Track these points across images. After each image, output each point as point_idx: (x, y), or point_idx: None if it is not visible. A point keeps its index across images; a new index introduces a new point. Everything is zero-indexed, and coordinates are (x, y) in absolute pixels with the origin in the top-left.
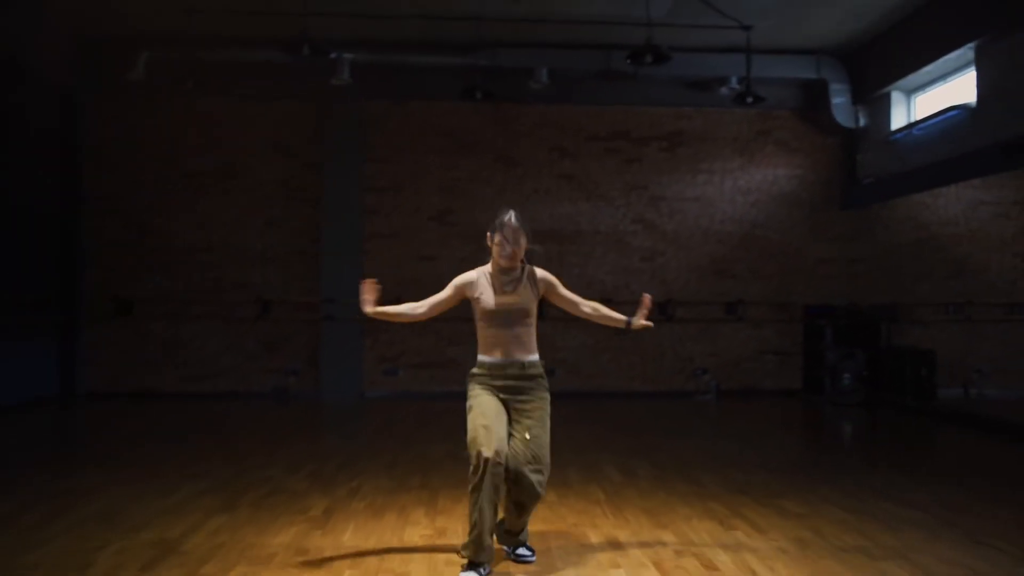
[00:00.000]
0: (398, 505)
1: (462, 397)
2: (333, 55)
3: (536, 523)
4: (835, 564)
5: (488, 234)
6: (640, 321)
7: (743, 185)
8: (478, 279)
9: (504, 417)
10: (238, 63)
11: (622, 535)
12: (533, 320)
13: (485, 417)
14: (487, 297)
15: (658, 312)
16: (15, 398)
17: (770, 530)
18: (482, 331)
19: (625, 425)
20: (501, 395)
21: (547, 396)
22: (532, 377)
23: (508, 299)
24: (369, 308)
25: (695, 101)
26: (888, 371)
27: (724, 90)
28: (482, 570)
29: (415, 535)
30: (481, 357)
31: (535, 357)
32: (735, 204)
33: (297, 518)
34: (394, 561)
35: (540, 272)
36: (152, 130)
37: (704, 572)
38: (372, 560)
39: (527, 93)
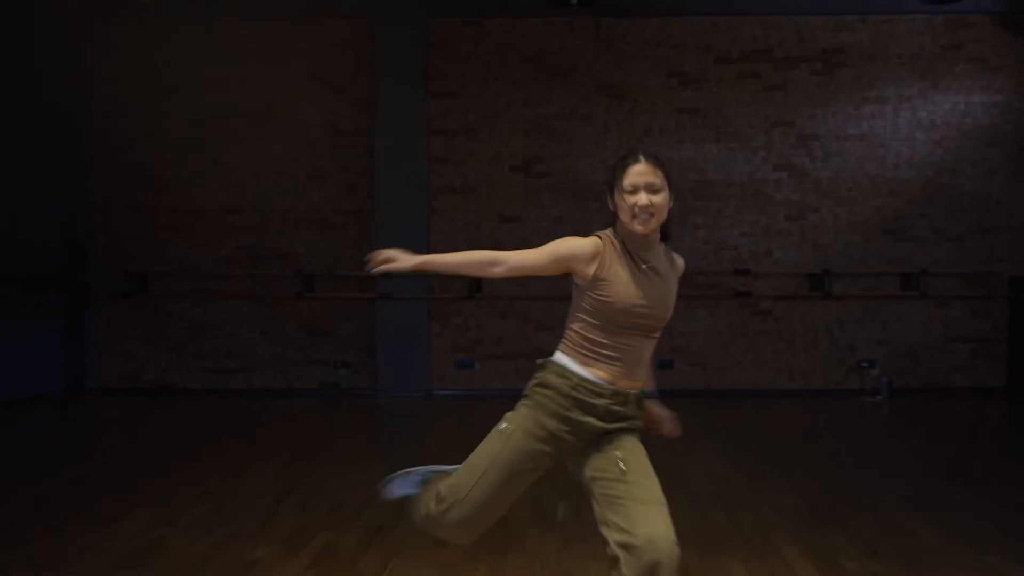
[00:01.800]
0: None
1: None
2: None
3: None
4: None
5: (607, 190)
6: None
7: (925, 117)
8: (606, 252)
9: (519, 491)
10: None
11: None
12: None
13: (494, 497)
14: (622, 285)
15: (810, 286)
16: (15, 394)
17: None
18: (592, 333)
19: (774, 441)
20: (567, 438)
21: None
22: (630, 417)
23: (654, 291)
24: (402, 263)
25: (860, 6)
26: None
27: None
28: None
29: None
30: (572, 366)
31: (641, 384)
32: (913, 143)
33: None
34: None
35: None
36: (168, 64)
37: None
38: None
39: (637, 1)
